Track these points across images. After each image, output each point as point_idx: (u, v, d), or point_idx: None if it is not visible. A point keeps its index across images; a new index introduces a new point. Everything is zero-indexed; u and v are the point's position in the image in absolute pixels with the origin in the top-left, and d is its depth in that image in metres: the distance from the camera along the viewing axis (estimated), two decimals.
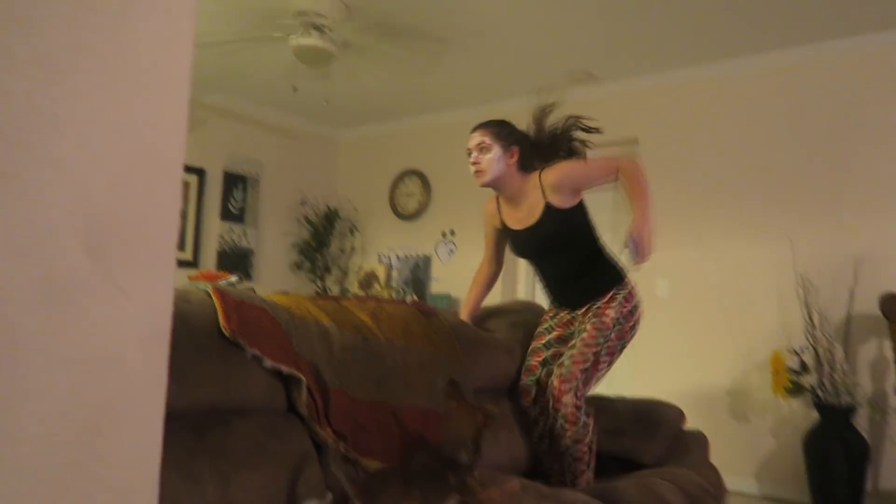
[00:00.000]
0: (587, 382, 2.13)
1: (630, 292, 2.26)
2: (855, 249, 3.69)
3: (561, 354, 2.25)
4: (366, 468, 1.71)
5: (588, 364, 2.12)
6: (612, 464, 2.34)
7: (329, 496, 1.60)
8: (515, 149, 2.27)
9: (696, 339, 4.15)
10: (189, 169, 5.15)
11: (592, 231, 2.33)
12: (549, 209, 2.22)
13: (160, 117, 0.67)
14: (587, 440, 2.12)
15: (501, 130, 2.27)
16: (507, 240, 2.42)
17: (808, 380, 3.53)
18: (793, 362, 3.58)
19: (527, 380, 2.29)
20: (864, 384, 3.59)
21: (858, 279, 3.64)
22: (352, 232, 6.01)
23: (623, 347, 2.23)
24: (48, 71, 0.55)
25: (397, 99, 5.34)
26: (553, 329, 2.36)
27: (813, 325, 3.65)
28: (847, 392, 3.44)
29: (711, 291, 4.13)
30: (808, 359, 3.59)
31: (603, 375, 2.21)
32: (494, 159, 2.23)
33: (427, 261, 5.57)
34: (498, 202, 2.40)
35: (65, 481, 0.54)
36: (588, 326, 2.19)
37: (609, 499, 1.80)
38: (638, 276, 4.40)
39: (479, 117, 2.56)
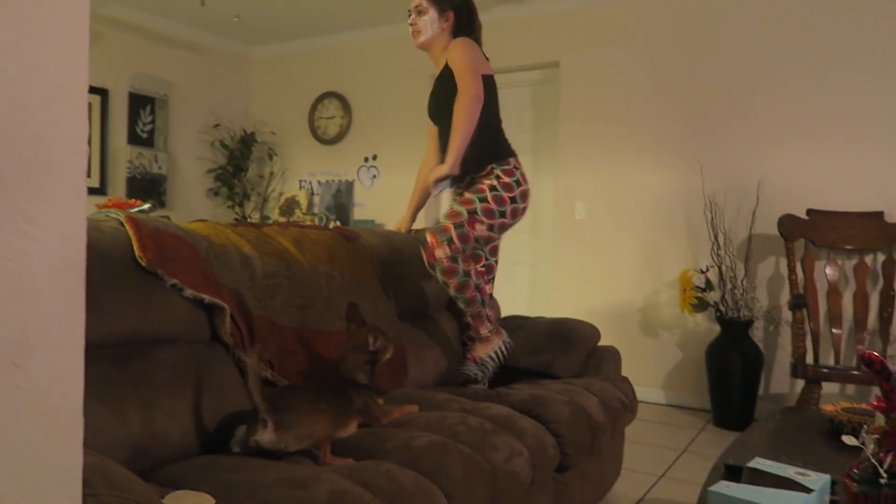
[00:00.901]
0: (463, 238, 2.16)
1: (509, 170, 2.30)
2: (758, 173, 3.89)
3: None
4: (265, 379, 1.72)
5: (462, 219, 2.17)
6: (534, 379, 2.46)
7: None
8: (450, 14, 2.37)
9: (611, 259, 4.33)
10: (90, 89, 4.80)
11: (487, 107, 2.32)
12: (447, 68, 2.32)
13: (58, 34, 0.62)
14: (472, 284, 2.20)
15: None
16: None
17: (712, 296, 3.77)
18: (699, 280, 3.81)
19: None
20: (762, 299, 3.87)
21: (760, 202, 3.86)
22: (270, 157, 5.82)
23: (504, 216, 2.26)
24: None
25: (314, 15, 5.10)
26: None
27: (718, 245, 3.88)
28: (746, 307, 3.71)
29: (626, 213, 4.29)
30: (713, 277, 3.83)
31: (483, 237, 2.24)
32: (429, 21, 2.34)
33: (350, 186, 5.50)
34: None
35: None
36: (465, 192, 2.30)
37: (533, 411, 1.90)
38: (557, 200, 4.51)
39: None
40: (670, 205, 4.15)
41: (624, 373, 2.63)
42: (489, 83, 2.32)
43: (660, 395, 4.16)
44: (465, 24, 2.39)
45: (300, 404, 1.45)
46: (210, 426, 1.52)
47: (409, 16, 2.39)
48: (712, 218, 3.95)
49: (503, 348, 2.30)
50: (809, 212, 3.59)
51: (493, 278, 2.50)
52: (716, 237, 3.88)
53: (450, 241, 2.13)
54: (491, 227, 2.23)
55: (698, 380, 3.99)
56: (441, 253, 2.13)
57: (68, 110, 0.62)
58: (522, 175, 2.33)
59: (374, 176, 5.38)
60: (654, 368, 4.18)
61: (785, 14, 3.83)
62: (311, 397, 1.50)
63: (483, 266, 2.44)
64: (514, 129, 4.84)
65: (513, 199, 2.27)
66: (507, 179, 2.27)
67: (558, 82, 4.56)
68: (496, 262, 2.51)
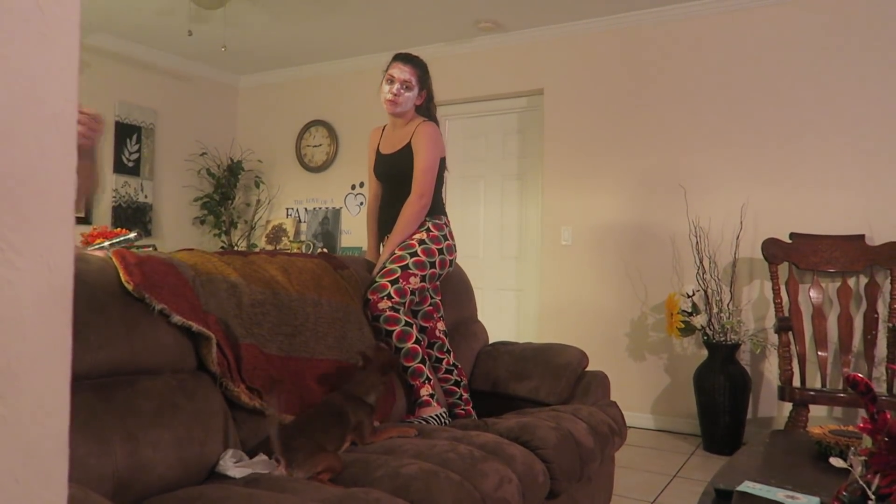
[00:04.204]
0: (400, 292, 2.31)
1: (440, 224, 2.51)
2: (741, 198, 3.94)
3: None
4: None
5: (397, 276, 2.34)
6: (522, 405, 2.45)
7: (241, 452, 1.60)
8: (425, 93, 2.58)
9: (598, 284, 4.35)
10: None
11: (437, 179, 2.56)
12: (408, 146, 2.53)
13: (47, 63, 0.62)
14: (414, 336, 2.29)
15: (424, 75, 2.55)
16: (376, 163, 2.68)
17: (699, 320, 3.79)
18: (685, 304, 3.83)
19: None
20: (748, 322, 3.89)
21: (744, 226, 3.90)
22: (257, 185, 5.82)
23: (433, 266, 2.43)
24: None
25: (300, 44, 5.15)
26: None
27: (703, 269, 3.90)
28: (732, 330, 3.73)
29: (611, 238, 4.32)
30: (699, 301, 3.85)
31: (417, 290, 2.38)
32: (411, 98, 2.52)
33: (337, 213, 5.50)
34: (383, 131, 2.69)
35: None
36: (397, 250, 2.44)
37: (521, 438, 1.89)
38: (544, 226, 4.53)
39: (386, 64, 2.57)
40: (655, 230, 4.19)
41: (612, 398, 2.62)
42: (441, 163, 2.57)
43: (649, 420, 4.15)
44: (428, 98, 2.59)
45: (308, 442, 1.57)
46: (196, 457, 1.50)
47: (392, 84, 2.49)
48: (697, 242, 3.98)
49: (443, 417, 2.28)
50: (792, 235, 3.63)
51: (443, 315, 2.59)
52: (701, 261, 3.91)
53: (389, 296, 2.29)
54: (423, 278, 2.40)
55: (687, 404, 3.99)
56: (384, 304, 2.28)
57: (56, 140, 0.62)
58: (450, 232, 2.55)
59: (362, 203, 5.39)
60: (642, 393, 4.18)
61: (766, 40, 3.91)
62: (318, 432, 1.62)
63: (430, 305, 2.53)
64: (500, 155, 4.89)
65: (440, 251, 2.47)
66: (435, 233, 2.48)
67: (543, 109, 4.61)
68: (441, 299, 2.61)
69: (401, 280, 2.32)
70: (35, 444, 0.57)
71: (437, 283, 2.54)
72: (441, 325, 2.53)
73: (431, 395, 2.28)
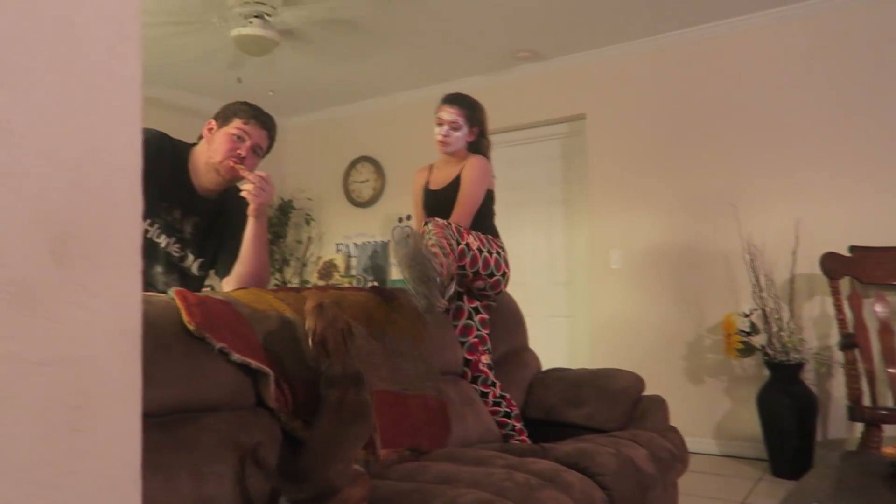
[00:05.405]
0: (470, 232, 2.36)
1: (499, 242, 2.54)
2: (795, 212, 3.84)
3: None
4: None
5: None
6: (577, 432, 2.42)
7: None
8: (475, 130, 2.63)
9: (650, 306, 4.28)
10: None
11: (487, 215, 2.61)
12: (457, 179, 2.59)
13: (114, 119, 0.67)
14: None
15: (472, 114, 2.61)
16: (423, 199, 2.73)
17: (758, 340, 3.68)
18: (743, 324, 3.73)
19: None
20: (810, 340, 3.76)
21: (800, 240, 3.79)
22: (307, 222, 5.96)
23: (499, 270, 2.45)
24: None
25: (343, 84, 5.30)
26: None
27: (760, 287, 3.80)
28: (794, 349, 3.60)
29: (662, 260, 4.25)
30: (757, 320, 3.74)
31: (489, 265, 2.39)
32: (461, 137, 2.60)
33: (385, 247, 5.58)
34: (431, 170, 2.75)
35: (49, 480, 0.55)
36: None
37: (579, 464, 1.86)
38: (592, 250, 4.49)
39: (428, 100, 2.64)
40: (707, 249, 4.11)
41: (672, 423, 2.56)
42: (489, 196, 2.61)
43: (712, 445, 4.02)
44: (480, 134, 2.64)
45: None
46: (259, 490, 1.53)
47: (441, 126, 2.57)
48: (751, 260, 3.89)
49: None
50: (852, 248, 3.51)
51: (489, 349, 2.53)
52: (757, 279, 3.81)
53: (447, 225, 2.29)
54: (487, 265, 2.37)
55: (751, 427, 3.85)
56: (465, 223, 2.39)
57: (124, 190, 0.67)
58: (505, 256, 2.53)
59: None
60: (703, 417, 4.06)
61: (813, 50, 3.85)
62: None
63: (476, 337, 2.48)
64: (544, 181, 4.90)
65: (506, 263, 2.50)
66: (497, 246, 2.48)
67: (585, 134, 4.61)
68: (488, 333, 2.53)
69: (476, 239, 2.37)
70: (112, 474, 0.61)
71: (487, 306, 2.53)
72: (485, 359, 2.49)
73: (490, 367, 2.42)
